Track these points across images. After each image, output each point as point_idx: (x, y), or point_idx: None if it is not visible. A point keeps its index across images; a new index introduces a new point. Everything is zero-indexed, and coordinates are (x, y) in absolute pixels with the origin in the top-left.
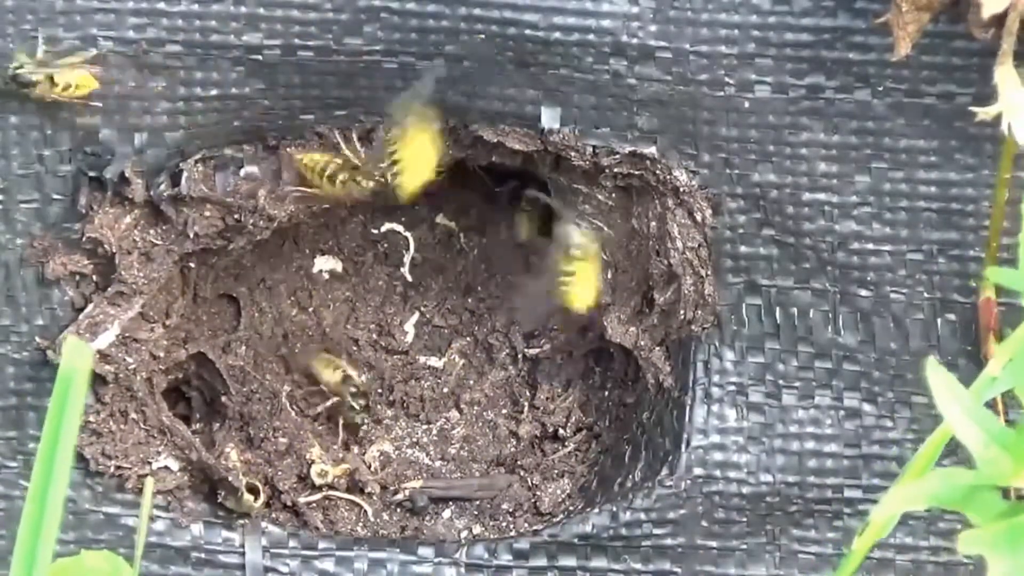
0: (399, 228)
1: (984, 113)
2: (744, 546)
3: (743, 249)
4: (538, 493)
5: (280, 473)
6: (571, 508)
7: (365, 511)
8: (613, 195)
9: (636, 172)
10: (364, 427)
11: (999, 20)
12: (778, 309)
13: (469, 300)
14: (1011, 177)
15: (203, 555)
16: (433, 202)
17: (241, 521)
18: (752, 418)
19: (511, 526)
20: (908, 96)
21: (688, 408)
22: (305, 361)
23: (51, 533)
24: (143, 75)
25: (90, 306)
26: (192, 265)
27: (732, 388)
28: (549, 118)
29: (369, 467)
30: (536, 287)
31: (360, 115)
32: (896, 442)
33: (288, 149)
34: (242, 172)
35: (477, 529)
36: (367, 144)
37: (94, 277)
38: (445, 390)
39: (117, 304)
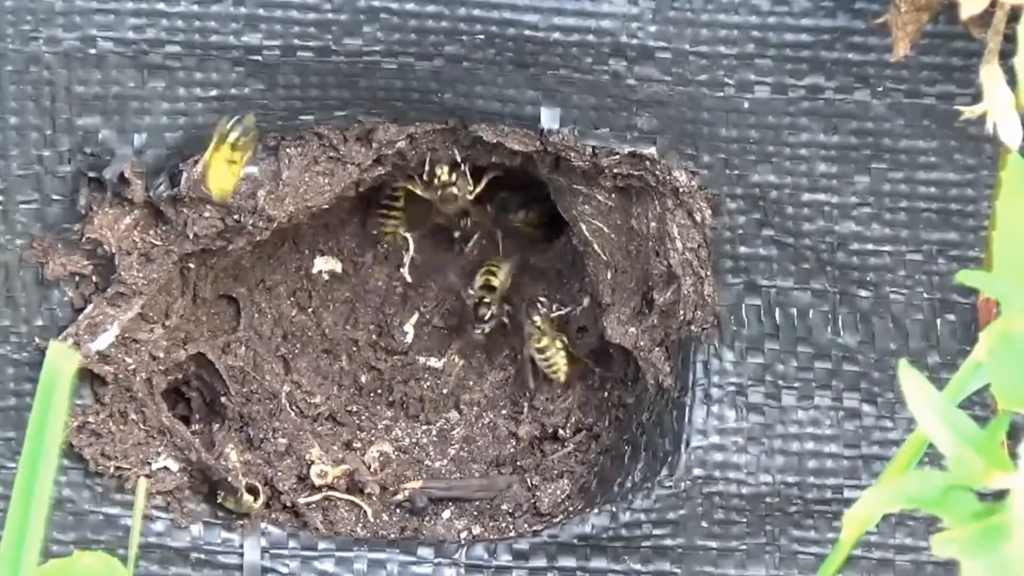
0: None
1: (970, 112)
2: (744, 547)
3: (743, 249)
4: (538, 493)
5: (280, 474)
6: (571, 508)
7: (365, 512)
8: (613, 195)
9: (636, 172)
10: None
11: (981, 20)
12: (778, 310)
13: None
14: None
15: (202, 556)
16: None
17: (240, 522)
18: (752, 419)
19: (511, 527)
20: (908, 97)
21: (688, 409)
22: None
23: (35, 536)
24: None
25: (90, 307)
26: (192, 266)
27: (732, 389)
28: (549, 118)
29: (369, 468)
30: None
31: (360, 115)
32: (896, 443)
33: (288, 149)
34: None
35: (477, 530)
36: (367, 144)
37: (94, 278)
38: (445, 391)
39: (117, 305)
